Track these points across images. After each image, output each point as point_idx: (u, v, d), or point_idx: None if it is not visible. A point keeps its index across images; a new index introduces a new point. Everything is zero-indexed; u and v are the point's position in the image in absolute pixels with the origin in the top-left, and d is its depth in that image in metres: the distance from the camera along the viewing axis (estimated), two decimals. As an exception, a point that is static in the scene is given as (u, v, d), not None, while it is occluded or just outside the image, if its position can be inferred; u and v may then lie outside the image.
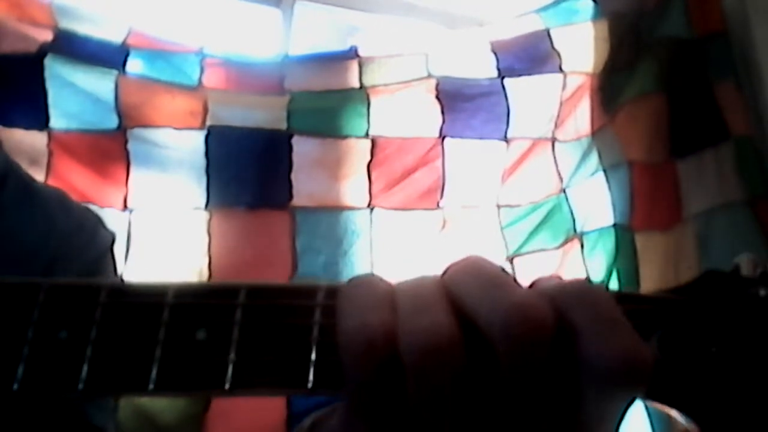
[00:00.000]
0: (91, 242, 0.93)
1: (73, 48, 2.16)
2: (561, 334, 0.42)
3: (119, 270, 1.03)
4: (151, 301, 0.46)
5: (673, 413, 0.45)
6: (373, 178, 2.36)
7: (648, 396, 0.45)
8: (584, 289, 0.44)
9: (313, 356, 0.44)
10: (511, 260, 2.39)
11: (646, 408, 2.19)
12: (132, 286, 0.48)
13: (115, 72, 2.19)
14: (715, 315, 0.46)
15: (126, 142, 2.19)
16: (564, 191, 2.48)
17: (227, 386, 0.43)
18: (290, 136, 2.31)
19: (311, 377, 0.44)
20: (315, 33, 2.84)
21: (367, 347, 0.41)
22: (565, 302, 0.43)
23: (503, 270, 0.45)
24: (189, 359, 0.44)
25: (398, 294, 0.44)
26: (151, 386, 0.44)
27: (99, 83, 2.17)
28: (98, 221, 0.99)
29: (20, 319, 0.46)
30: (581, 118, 2.51)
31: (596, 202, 2.45)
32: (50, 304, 0.47)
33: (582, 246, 2.43)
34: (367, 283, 0.45)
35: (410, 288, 0.45)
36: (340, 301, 0.44)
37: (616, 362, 0.41)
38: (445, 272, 0.47)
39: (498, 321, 0.41)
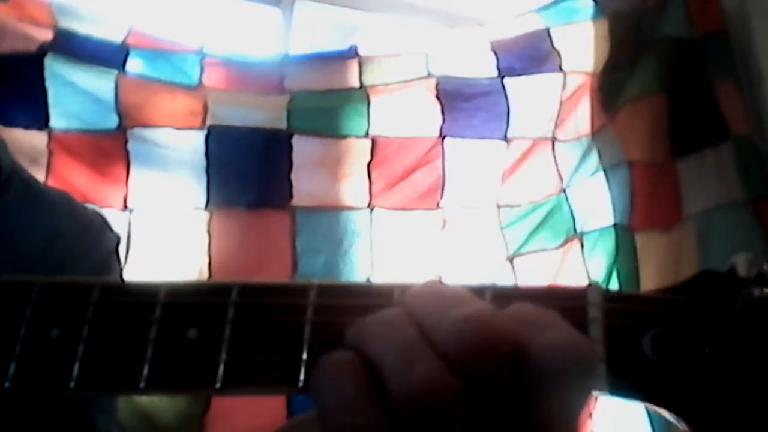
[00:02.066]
0: (96, 244, 0.93)
1: (73, 47, 2.16)
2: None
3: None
4: (143, 299, 0.46)
5: (665, 413, 0.45)
6: (373, 177, 2.36)
7: (640, 396, 0.45)
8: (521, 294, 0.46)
9: (305, 355, 0.44)
10: (511, 260, 2.39)
11: (647, 409, 2.19)
12: (124, 285, 0.48)
13: (115, 71, 2.19)
14: (709, 315, 0.46)
15: (126, 141, 2.19)
16: (564, 191, 2.48)
17: (218, 385, 0.43)
18: (290, 136, 2.31)
19: (302, 376, 0.44)
20: (315, 32, 2.84)
21: None
22: (507, 313, 0.44)
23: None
24: (180, 358, 0.44)
25: (375, 356, 0.43)
26: (142, 385, 0.44)
27: (99, 83, 2.17)
28: (103, 223, 0.99)
29: (13, 317, 0.46)
30: (581, 117, 2.50)
31: (596, 201, 2.44)
32: (43, 302, 0.47)
33: (582, 246, 2.43)
34: (338, 367, 0.43)
35: (384, 338, 0.43)
36: (317, 394, 0.43)
37: (555, 355, 0.42)
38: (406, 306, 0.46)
39: (453, 337, 0.42)
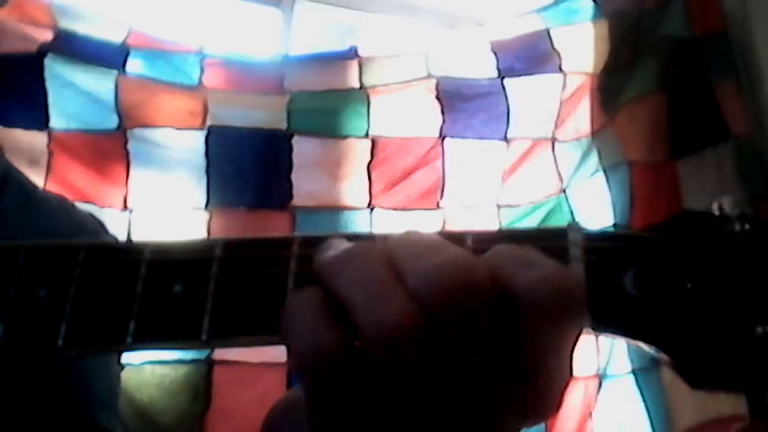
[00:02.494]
0: None
1: (73, 48, 2.17)
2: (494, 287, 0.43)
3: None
4: (129, 258, 0.46)
5: (646, 347, 0.45)
6: (373, 178, 2.36)
7: (622, 332, 0.46)
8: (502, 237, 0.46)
9: None
10: (511, 260, 2.38)
11: (646, 406, 2.19)
12: (110, 245, 0.49)
13: (115, 72, 2.19)
14: (690, 251, 0.46)
15: (126, 141, 2.19)
16: (564, 191, 2.48)
17: (204, 337, 0.44)
18: (290, 136, 2.32)
19: None
20: (315, 33, 2.84)
21: (326, 368, 0.41)
22: (488, 254, 0.44)
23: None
24: (166, 312, 0.45)
25: (344, 285, 0.43)
26: (129, 339, 0.44)
27: (99, 83, 2.18)
28: (100, 225, 0.99)
29: (0, 280, 0.47)
30: (581, 118, 2.50)
31: (596, 202, 2.44)
32: (30, 265, 0.47)
33: (582, 246, 2.42)
34: (301, 297, 0.44)
35: (357, 276, 0.43)
36: (286, 314, 0.43)
37: (544, 291, 0.41)
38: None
39: (429, 279, 0.42)
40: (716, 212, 0.48)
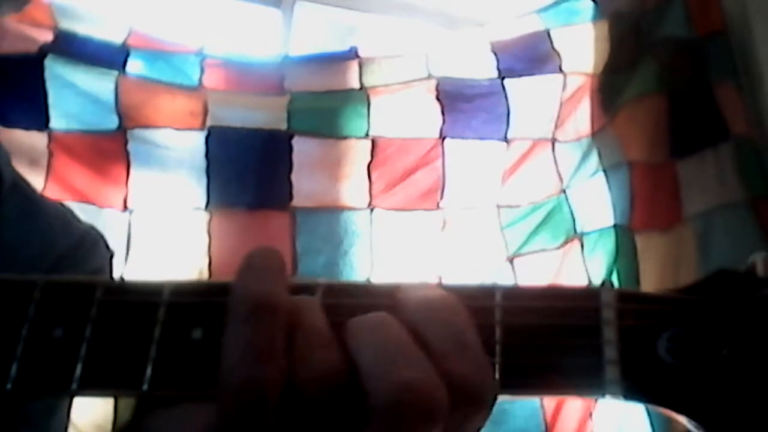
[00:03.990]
0: (86, 258, 0.94)
1: (74, 48, 2.16)
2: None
3: (119, 272, 1.03)
4: (147, 299, 0.45)
5: (682, 419, 0.43)
6: (373, 178, 2.36)
7: (656, 401, 0.44)
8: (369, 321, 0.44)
9: None
10: (511, 261, 2.38)
11: (646, 408, 2.19)
12: (128, 284, 0.47)
13: (115, 72, 2.19)
14: (726, 315, 0.44)
15: (126, 142, 2.19)
16: (564, 192, 2.47)
17: None
18: (290, 137, 2.31)
19: None
20: (315, 33, 2.84)
21: (258, 402, 0.40)
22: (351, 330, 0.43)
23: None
24: (184, 359, 0.44)
25: (294, 320, 0.43)
26: (145, 386, 0.43)
27: (99, 83, 2.17)
28: (98, 239, 0.99)
29: (15, 316, 0.45)
30: (581, 118, 2.50)
31: (596, 202, 2.44)
32: (46, 302, 0.46)
33: (582, 246, 2.42)
34: (265, 312, 0.43)
35: (308, 321, 0.44)
36: (231, 332, 0.42)
37: (394, 394, 0.39)
38: None
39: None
40: (750, 271, 0.46)
